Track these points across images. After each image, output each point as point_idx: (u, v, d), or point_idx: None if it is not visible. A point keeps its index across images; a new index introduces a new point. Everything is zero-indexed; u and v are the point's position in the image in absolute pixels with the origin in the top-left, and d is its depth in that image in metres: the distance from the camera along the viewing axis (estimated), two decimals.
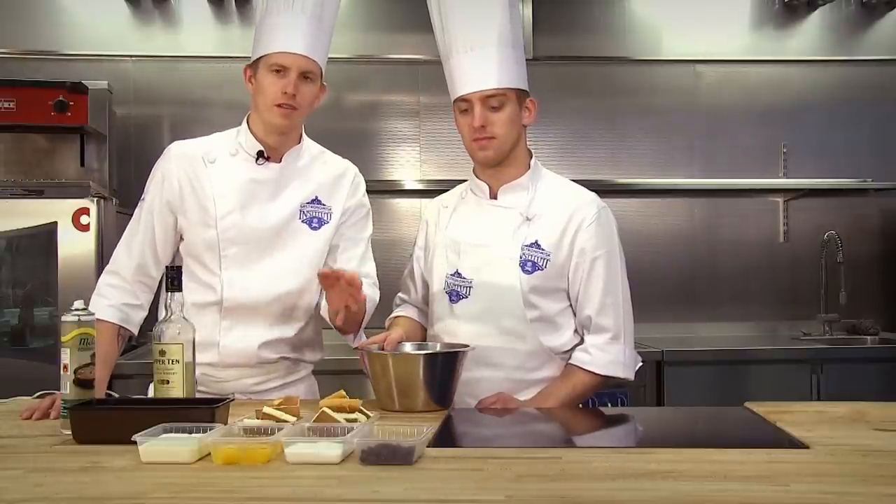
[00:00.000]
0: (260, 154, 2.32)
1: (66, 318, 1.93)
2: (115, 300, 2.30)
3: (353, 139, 4.33)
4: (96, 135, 3.93)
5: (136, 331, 2.34)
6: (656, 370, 3.73)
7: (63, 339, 1.91)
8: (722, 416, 2.29)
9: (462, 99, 2.26)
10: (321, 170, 2.40)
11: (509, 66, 2.24)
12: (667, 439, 2.04)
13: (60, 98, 3.71)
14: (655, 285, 4.36)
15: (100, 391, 2.06)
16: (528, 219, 2.29)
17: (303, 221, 2.34)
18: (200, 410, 1.77)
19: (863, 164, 4.42)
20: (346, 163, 2.47)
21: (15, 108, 3.70)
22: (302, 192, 2.35)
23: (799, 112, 4.49)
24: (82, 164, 3.92)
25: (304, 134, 2.40)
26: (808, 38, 4.51)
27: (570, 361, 2.29)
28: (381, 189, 4.30)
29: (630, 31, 4.48)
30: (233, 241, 2.28)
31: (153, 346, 1.99)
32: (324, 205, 2.37)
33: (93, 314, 1.95)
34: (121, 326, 2.29)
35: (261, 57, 2.26)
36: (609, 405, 3.51)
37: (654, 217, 4.47)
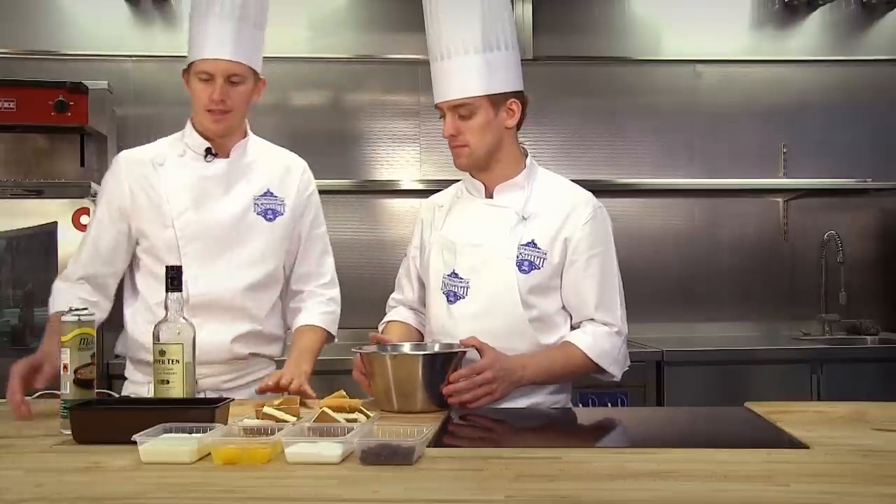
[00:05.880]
0: (208, 151, 2.39)
1: (67, 318, 1.93)
2: (69, 296, 2.31)
3: (353, 139, 4.34)
4: (96, 135, 3.93)
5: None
6: (656, 370, 3.73)
7: (63, 339, 1.92)
8: (722, 416, 2.29)
9: (437, 107, 2.30)
10: (269, 162, 2.48)
11: (478, 73, 2.23)
12: (667, 439, 2.04)
13: (60, 98, 3.70)
14: (656, 285, 4.36)
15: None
16: (523, 218, 2.29)
17: (258, 214, 2.41)
18: (200, 410, 1.78)
19: (863, 164, 4.41)
20: (293, 155, 2.55)
21: (15, 108, 3.70)
22: (253, 185, 2.42)
23: (799, 112, 4.48)
24: (82, 164, 3.92)
25: (248, 129, 2.47)
26: (808, 38, 4.51)
27: (568, 338, 2.28)
28: (380, 189, 4.31)
29: (630, 31, 4.48)
30: (191, 238, 2.33)
31: (153, 346, 1.99)
32: (276, 196, 2.44)
33: (93, 314, 1.95)
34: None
35: (191, 63, 2.34)
36: (609, 405, 3.51)
37: (654, 217, 4.47)
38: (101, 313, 2.36)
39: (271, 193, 2.44)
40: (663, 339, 4.06)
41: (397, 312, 2.52)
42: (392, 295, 2.56)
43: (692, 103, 4.49)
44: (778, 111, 4.48)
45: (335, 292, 2.56)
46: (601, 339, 2.27)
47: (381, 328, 2.50)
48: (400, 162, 4.40)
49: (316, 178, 4.18)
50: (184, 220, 2.34)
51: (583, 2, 4.45)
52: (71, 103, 3.72)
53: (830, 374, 3.78)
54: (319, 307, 2.51)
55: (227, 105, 2.31)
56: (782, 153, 4.48)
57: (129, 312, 2.43)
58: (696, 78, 4.49)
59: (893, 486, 1.41)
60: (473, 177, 2.37)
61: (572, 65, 4.44)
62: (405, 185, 4.29)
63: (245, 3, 2.33)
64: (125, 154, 2.45)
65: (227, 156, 2.41)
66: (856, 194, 4.44)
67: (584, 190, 2.37)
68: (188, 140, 2.41)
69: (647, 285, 4.30)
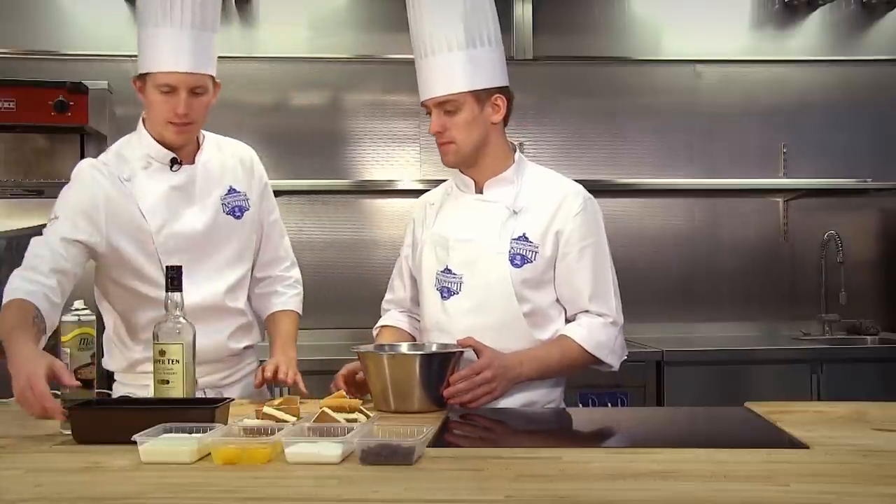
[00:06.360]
0: (174, 161, 2.33)
1: (66, 318, 1.94)
2: (37, 286, 2.08)
3: (353, 139, 4.34)
4: (96, 135, 3.93)
5: (47, 331, 2.08)
6: (656, 370, 3.73)
7: (63, 339, 1.92)
8: (722, 416, 2.29)
9: (423, 104, 2.31)
10: (225, 158, 2.44)
11: (462, 69, 2.24)
12: (667, 439, 2.04)
13: (60, 98, 3.70)
14: (655, 285, 4.35)
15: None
16: (514, 212, 2.29)
17: (227, 214, 2.39)
18: (200, 410, 1.78)
19: (863, 164, 4.40)
20: (240, 143, 2.52)
21: (15, 108, 3.69)
22: (218, 185, 2.39)
23: (799, 112, 4.48)
24: None
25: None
26: (808, 38, 4.51)
27: (563, 332, 2.28)
28: (380, 189, 4.30)
29: (630, 31, 4.47)
30: (172, 251, 2.28)
31: (153, 346, 1.99)
32: (239, 192, 2.42)
33: (93, 315, 1.95)
34: (37, 312, 2.04)
35: (148, 73, 2.25)
36: (609, 405, 3.51)
37: (654, 217, 4.46)
38: (56, 316, 2.09)
39: (235, 190, 2.41)
40: (663, 339, 4.05)
41: (390, 317, 2.52)
42: (385, 297, 2.56)
43: (692, 103, 4.48)
44: (778, 111, 4.48)
45: (297, 272, 2.59)
46: (596, 330, 2.27)
47: (374, 332, 2.51)
48: (400, 162, 4.39)
49: (316, 177, 4.24)
50: (164, 235, 2.28)
51: (583, 2, 4.45)
52: (71, 103, 3.71)
53: (830, 374, 3.78)
54: (289, 290, 2.54)
55: (190, 117, 2.25)
56: (782, 153, 4.47)
57: (115, 336, 2.39)
58: (696, 78, 4.49)
59: (893, 486, 1.42)
60: (463, 173, 2.38)
61: (572, 65, 4.44)
62: (405, 185, 4.28)
63: (203, 10, 2.26)
64: (89, 166, 2.31)
65: (192, 161, 2.36)
66: (856, 194, 4.43)
67: (573, 182, 2.38)
68: (150, 151, 2.32)
69: (647, 285, 4.30)
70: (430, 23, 2.26)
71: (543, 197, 2.31)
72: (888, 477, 1.48)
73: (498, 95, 2.29)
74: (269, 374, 2.29)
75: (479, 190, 2.35)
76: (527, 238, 2.27)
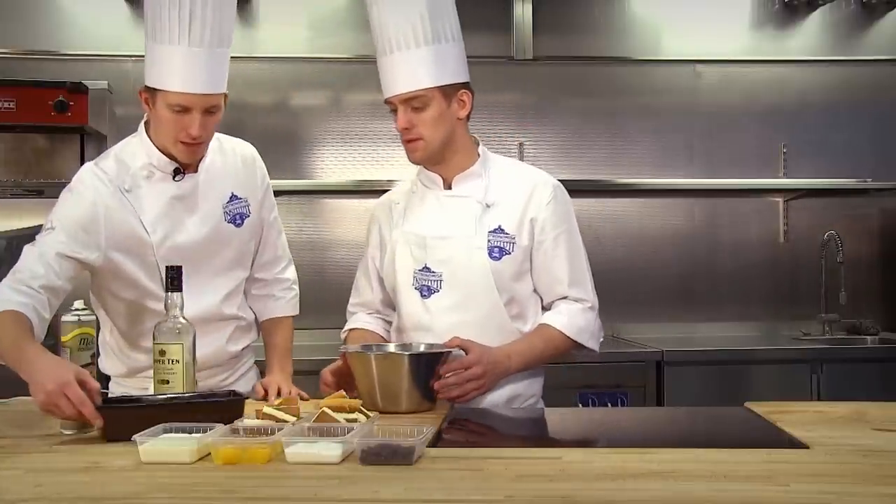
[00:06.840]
0: (177, 171, 2.27)
1: (66, 318, 1.94)
2: (27, 298, 2.05)
3: (354, 139, 4.34)
4: (96, 135, 3.93)
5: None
6: (656, 370, 3.73)
7: (63, 339, 1.92)
8: (722, 416, 2.29)
9: (388, 101, 2.28)
10: (226, 161, 2.38)
11: (428, 65, 2.22)
12: (667, 439, 2.04)
13: (60, 98, 3.70)
14: (655, 285, 4.36)
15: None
16: (487, 206, 2.30)
17: (228, 222, 2.35)
18: (231, 403, 1.81)
19: (863, 164, 4.40)
20: (241, 142, 2.45)
21: (15, 108, 3.69)
22: (220, 193, 2.34)
23: (799, 112, 4.48)
24: (82, 164, 3.91)
25: None
26: (808, 38, 4.51)
27: (544, 321, 2.30)
28: (380, 189, 4.28)
29: (630, 31, 4.47)
30: (172, 262, 2.17)
31: (153, 346, 1.99)
32: (240, 199, 2.37)
33: (93, 315, 1.95)
34: (31, 324, 2.02)
35: (159, 89, 2.15)
36: (609, 405, 3.51)
37: (654, 217, 4.46)
38: (42, 334, 2.06)
39: (236, 197, 2.36)
40: (663, 339, 4.06)
41: (358, 319, 2.49)
42: (350, 301, 2.53)
43: (692, 103, 4.49)
44: (778, 111, 4.48)
45: (293, 271, 2.56)
46: (576, 316, 2.30)
47: (343, 336, 2.50)
48: (400, 162, 4.37)
49: (315, 177, 4.24)
50: (165, 248, 2.25)
51: (583, 2, 4.45)
52: (71, 103, 3.71)
53: (830, 374, 3.78)
54: (285, 294, 2.53)
55: (203, 138, 2.20)
56: (782, 153, 4.47)
57: (114, 343, 2.38)
58: (696, 78, 4.49)
59: (893, 486, 1.42)
60: (428, 170, 2.37)
61: (572, 65, 4.44)
62: None
63: (221, 27, 2.16)
64: (90, 172, 2.27)
65: (195, 170, 2.30)
66: (856, 194, 4.44)
67: (540, 171, 2.40)
68: (152, 160, 2.26)
69: (647, 285, 4.30)
70: (395, 19, 2.24)
71: (514, 188, 2.32)
72: (888, 477, 1.48)
73: (463, 91, 2.29)
74: (272, 400, 2.23)
75: (447, 186, 2.35)
76: (503, 230, 2.28)
